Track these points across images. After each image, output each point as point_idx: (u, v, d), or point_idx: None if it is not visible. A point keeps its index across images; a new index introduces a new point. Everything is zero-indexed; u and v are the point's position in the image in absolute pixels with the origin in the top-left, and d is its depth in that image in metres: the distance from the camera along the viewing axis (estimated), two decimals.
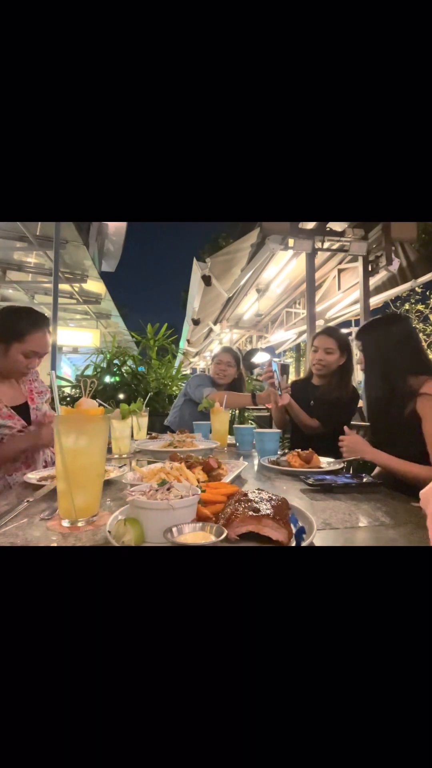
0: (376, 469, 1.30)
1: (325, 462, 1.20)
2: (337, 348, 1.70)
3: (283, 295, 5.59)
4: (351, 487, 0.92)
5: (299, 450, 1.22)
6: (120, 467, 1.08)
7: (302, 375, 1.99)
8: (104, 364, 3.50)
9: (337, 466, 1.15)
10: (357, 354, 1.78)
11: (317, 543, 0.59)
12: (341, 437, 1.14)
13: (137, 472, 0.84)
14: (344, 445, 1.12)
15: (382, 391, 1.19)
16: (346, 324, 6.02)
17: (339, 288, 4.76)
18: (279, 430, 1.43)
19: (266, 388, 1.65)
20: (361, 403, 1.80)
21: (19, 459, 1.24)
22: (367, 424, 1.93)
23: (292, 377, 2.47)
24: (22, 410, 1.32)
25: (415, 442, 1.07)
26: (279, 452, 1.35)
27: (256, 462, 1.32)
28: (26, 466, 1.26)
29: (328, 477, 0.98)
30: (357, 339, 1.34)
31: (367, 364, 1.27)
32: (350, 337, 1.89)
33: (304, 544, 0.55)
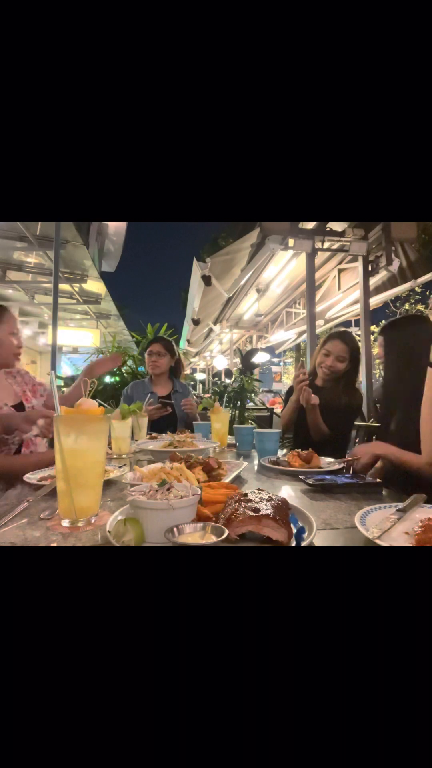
0: (373, 468, 1.30)
1: (325, 462, 1.20)
2: (349, 356, 1.67)
3: (283, 295, 5.59)
4: (351, 487, 0.92)
5: (299, 450, 1.22)
6: (120, 467, 1.08)
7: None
8: None
9: (337, 466, 1.15)
10: (375, 350, 1.81)
11: (317, 543, 0.59)
12: (356, 453, 1.15)
13: (137, 472, 0.84)
14: (361, 462, 1.13)
15: (406, 385, 1.21)
16: (346, 324, 6.02)
17: (339, 288, 4.76)
18: (279, 430, 1.43)
19: (294, 387, 1.62)
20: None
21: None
22: (367, 424, 1.93)
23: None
24: (19, 410, 1.34)
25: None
26: (279, 452, 1.35)
27: (256, 462, 1.32)
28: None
29: (328, 477, 0.98)
30: (380, 335, 1.41)
31: (390, 360, 1.31)
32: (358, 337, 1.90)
33: (304, 544, 0.55)
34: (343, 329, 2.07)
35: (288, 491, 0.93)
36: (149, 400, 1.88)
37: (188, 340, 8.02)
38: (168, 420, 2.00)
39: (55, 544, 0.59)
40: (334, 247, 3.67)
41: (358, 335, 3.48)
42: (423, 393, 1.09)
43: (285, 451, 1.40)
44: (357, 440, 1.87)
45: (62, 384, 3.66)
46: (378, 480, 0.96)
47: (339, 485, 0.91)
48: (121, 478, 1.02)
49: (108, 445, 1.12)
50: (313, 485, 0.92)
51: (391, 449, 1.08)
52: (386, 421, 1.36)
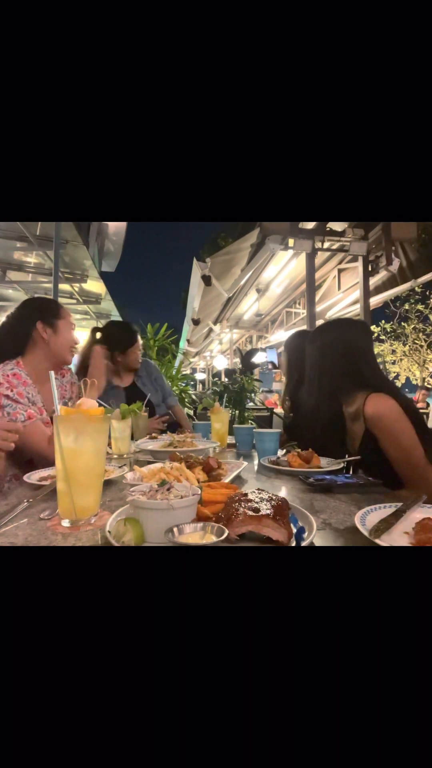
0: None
1: (325, 462, 1.20)
2: None
3: (283, 295, 5.59)
4: (351, 487, 0.92)
5: (299, 450, 1.22)
6: (120, 467, 1.08)
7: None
8: None
9: (337, 466, 1.15)
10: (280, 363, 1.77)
11: (317, 543, 0.59)
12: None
13: (137, 472, 0.84)
14: None
15: (317, 401, 1.16)
16: None
17: (339, 288, 4.76)
18: (279, 430, 1.43)
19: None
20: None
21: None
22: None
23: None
24: None
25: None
26: (279, 452, 1.35)
27: (256, 462, 1.32)
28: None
29: (328, 477, 0.98)
30: (284, 348, 1.33)
31: (294, 374, 1.25)
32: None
33: (304, 544, 0.55)
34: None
35: (288, 491, 0.93)
36: (162, 418, 1.83)
37: (188, 340, 8.02)
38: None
39: (55, 544, 0.59)
40: (334, 247, 3.67)
41: None
42: (365, 412, 1.04)
43: (285, 451, 1.40)
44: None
45: None
46: (379, 480, 0.95)
47: (339, 485, 0.91)
48: (121, 478, 1.02)
49: (108, 445, 1.12)
50: (313, 485, 0.92)
51: None
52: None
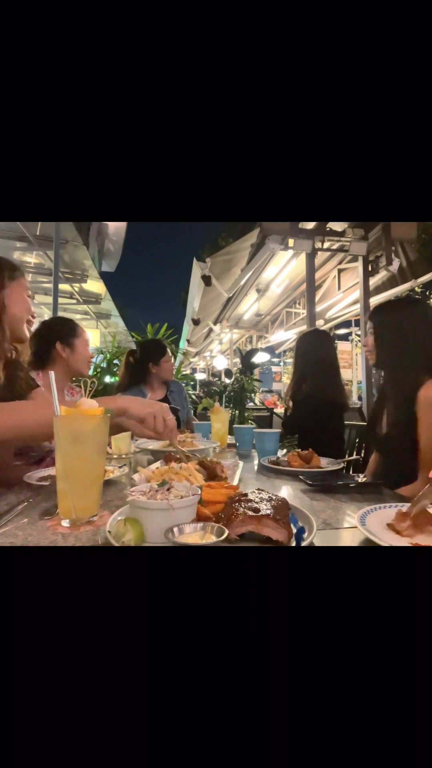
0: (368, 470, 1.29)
1: (325, 462, 1.20)
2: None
3: (283, 295, 5.59)
4: (351, 487, 0.92)
5: (299, 450, 1.22)
6: (120, 467, 1.08)
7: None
8: (104, 364, 3.51)
9: (337, 466, 1.15)
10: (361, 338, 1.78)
11: (317, 543, 0.59)
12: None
13: (142, 473, 0.83)
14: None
15: (400, 381, 1.09)
16: (346, 324, 6.02)
17: (339, 288, 4.76)
18: (278, 430, 1.43)
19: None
20: (359, 403, 1.81)
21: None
22: (355, 423, 1.93)
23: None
24: None
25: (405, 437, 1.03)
26: (279, 452, 1.35)
27: (256, 462, 1.32)
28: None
29: (328, 477, 0.98)
30: (370, 320, 1.23)
31: (382, 350, 1.16)
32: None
33: (304, 544, 0.55)
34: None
35: (288, 491, 0.93)
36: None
37: (188, 340, 8.02)
38: None
39: (55, 544, 0.59)
40: (334, 247, 3.67)
41: (358, 335, 3.48)
42: (419, 394, 1.03)
43: (285, 451, 1.40)
44: (357, 441, 1.86)
45: None
46: (378, 480, 0.96)
47: (339, 485, 0.91)
48: (121, 478, 1.02)
49: (108, 445, 1.11)
50: (313, 485, 0.92)
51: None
52: (374, 422, 1.26)
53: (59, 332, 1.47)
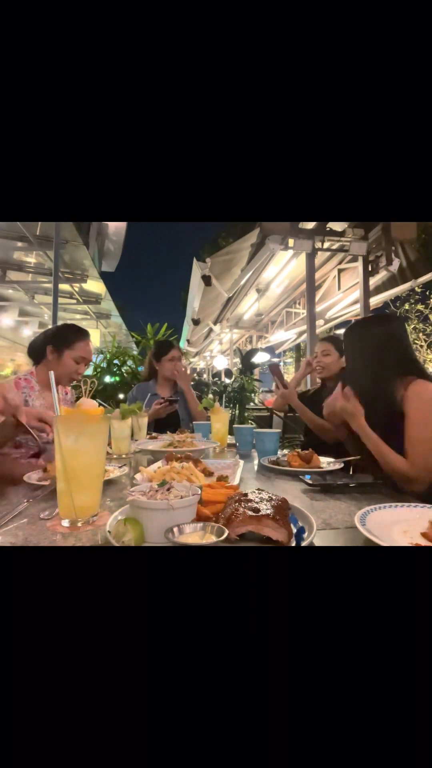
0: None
1: (325, 462, 1.20)
2: (335, 350, 1.83)
3: (283, 295, 5.59)
4: (351, 487, 0.92)
5: (299, 450, 1.22)
6: (120, 467, 1.08)
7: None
8: (104, 364, 3.51)
9: (337, 466, 1.15)
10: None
11: (317, 543, 0.59)
12: (344, 396, 1.11)
13: (145, 473, 0.83)
14: (345, 406, 1.11)
15: (367, 391, 1.15)
16: (346, 324, 6.01)
17: (339, 288, 4.76)
18: (278, 430, 1.43)
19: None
20: None
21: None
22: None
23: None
24: None
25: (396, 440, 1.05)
26: (279, 452, 1.35)
27: (256, 462, 1.32)
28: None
29: (328, 477, 0.98)
30: (343, 339, 1.31)
31: (350, 366, 1.24)
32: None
33: (304, 544, 0.55)
34: (328, 334, 2.20)
35: (288, 491, 0.93)
36: (158, 400, 1.94)
37: (188, 340, 8.02)
38: (170, 420, 2.01)
39: (55, 544, 0.59)
40: (334, 247, 3.67)
41: None
42: (407, 392, 1.05)
43: (285, 451, 1.40)
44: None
45: None
46: (379, 481, 0.96)
47: (339, 485, 0.91)
48: (121, 478, 1.02)
49: (108, 445, 1.12)
50: (313, 485, 0.92)
51: (367, 431, 1.05)
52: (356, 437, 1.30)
53: (56, 336, 1.51)
